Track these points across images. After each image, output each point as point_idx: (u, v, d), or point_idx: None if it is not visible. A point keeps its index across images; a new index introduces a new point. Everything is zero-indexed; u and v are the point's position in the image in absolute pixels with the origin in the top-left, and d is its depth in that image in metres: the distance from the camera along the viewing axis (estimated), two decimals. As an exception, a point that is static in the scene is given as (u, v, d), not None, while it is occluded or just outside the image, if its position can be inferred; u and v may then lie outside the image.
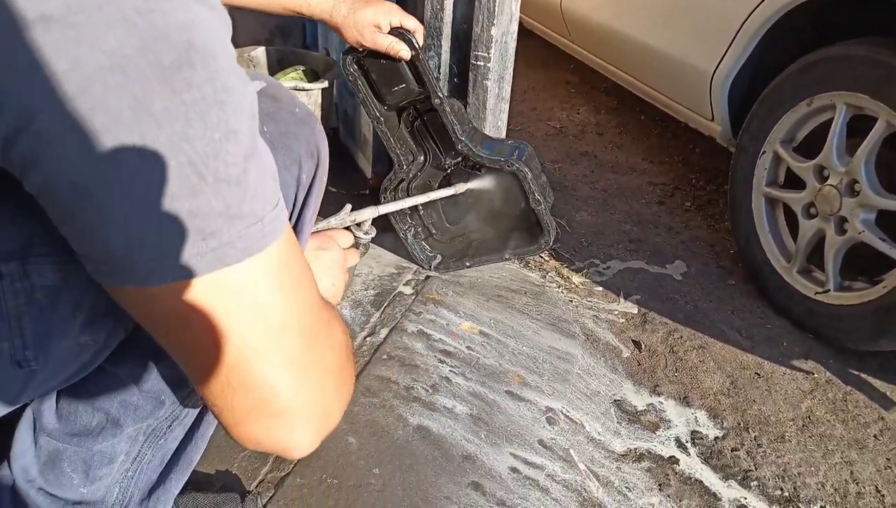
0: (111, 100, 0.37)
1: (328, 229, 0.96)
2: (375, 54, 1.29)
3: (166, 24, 0.38)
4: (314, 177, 0.68)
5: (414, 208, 1.50)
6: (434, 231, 1.55)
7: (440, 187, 1.47)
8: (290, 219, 0.68)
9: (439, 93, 1.32)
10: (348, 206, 1.03)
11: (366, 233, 1.04)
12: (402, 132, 1.42)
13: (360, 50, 1.29)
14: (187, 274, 0.43)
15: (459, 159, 1.42)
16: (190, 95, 0.39)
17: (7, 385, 0.51)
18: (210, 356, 0.46)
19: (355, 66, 1.34)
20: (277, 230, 0.47)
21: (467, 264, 1.53)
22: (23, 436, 0.68)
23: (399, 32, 1.25)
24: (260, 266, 0.45)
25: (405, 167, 1.44)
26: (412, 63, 1.29)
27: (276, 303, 0.47)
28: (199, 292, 0.44)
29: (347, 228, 1.01)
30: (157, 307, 0.45)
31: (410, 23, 1.25)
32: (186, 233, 0.41)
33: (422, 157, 1.44)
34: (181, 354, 0.48)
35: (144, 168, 0.39)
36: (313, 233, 0.90)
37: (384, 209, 1.16)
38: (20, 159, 0.39)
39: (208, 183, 0.41)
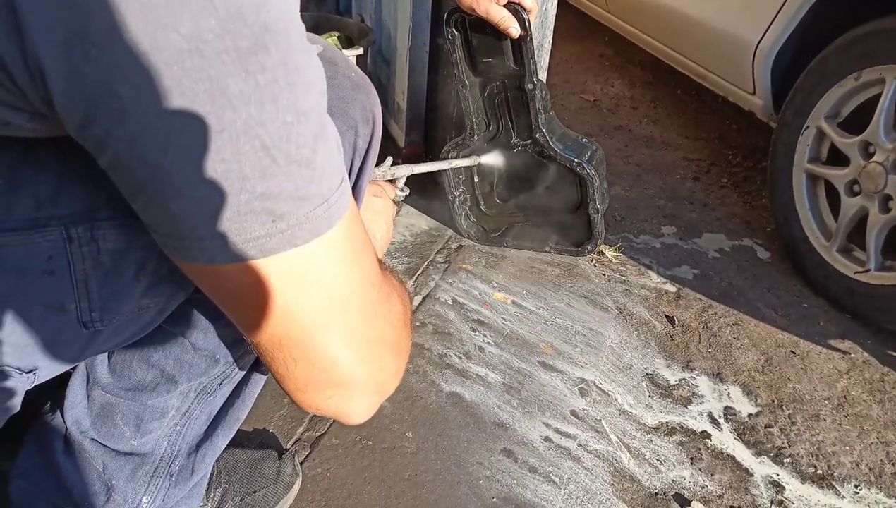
0: (188, 83, 0.37)
1: (373, 179, 0.97)
2: (482, 22, 1.24)
3: (242, 5, 0.38)
4: (370, 142, 0.68)
5: (469, 176, 1.50)
6: (482, 202, 1.54)
7: (500, 163, 1.46)
8: None
9: (534, 79, 1.29)
10: (390, 159, 1.04)
11: (401, 191, 1.05)
12: (482, 101, 1.40)
13: (468, 13, 1.25)
14: (256, 255, 0.43)
15: (529, 142, 1.40)
16: (264, 78, 0.39)
17: (72, 344, 0.53)
18: (274, 330, 0.47)
19: (457, 27, 1.30)
20: (342, 208, 0.47)
21: (506, 244, 1.53)
22: (75, 389, 0.70)
23: (514, 8, 1.19)
24: (325, 245, 0.46)
25: (475, 136, 1.43)
26: (518, 41, 1.25)
27: (340, 281, 0.48)
28: (267, 271, 0.44)
29: (388, 181, 1.04)
30: (225, 283, 0.46)
31: (529, 0, 1.20)
32: (257, 214, 0.42)
33: (494, 130, 1.42)
34: (245, 327, 0.49)
35: (218, 150, 0.40)
36: None
37: (418, 169, 1.17)
38: (96, 135, 0.40)
39: (280, 165, 0.41)
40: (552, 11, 1.43)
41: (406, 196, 1.08)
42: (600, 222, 1.39)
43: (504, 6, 1.19)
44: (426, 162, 1.30)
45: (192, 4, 0.36)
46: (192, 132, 0.39)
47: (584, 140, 1.45)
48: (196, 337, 0.65)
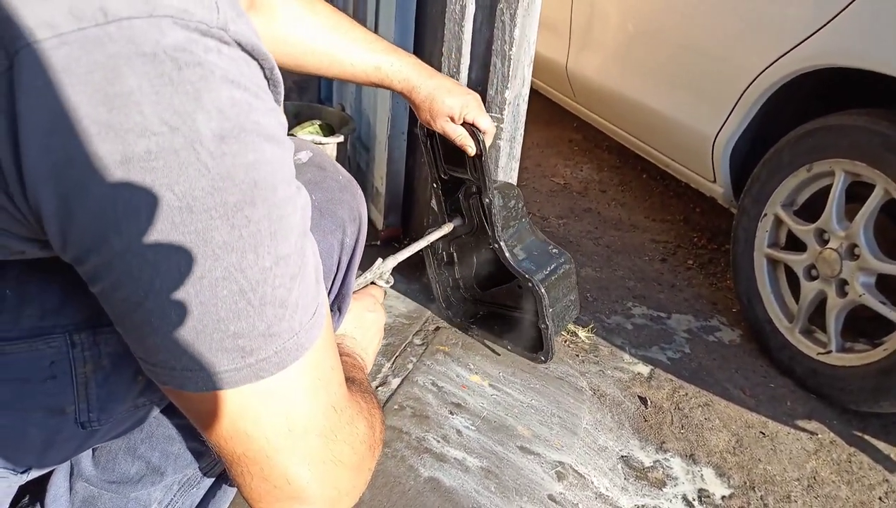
0: (176, 236, 0.41)
1: (366, 286, 0.99)
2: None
3: (234, 166, 0.41)
4: (357, 239, 0.72)
5: (451, 259, 1.53)
6: (462, 285, 1.58)
7: (479, 259, 1.50)
8: (335, 280, 0.73)
9: (489, 195, 1.33)
10: (380, 260, 1.06)
11: (387, 282, 1.08)
12: (456, 199, 1.45)
13: None
14: (223, 386, 0.46)
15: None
16: (248, 230, 0.42)
17: (69, 443, 0.54)
18: (233, 448, 0.49)
19: (426, 134, 1.37)
20: (312, 339, 0.49)
21: (472, 333, 1.56)
22: (58, 481, 0.70)
23: (471, 129, 1.23)
24: (291, 376, 0.48)
25: (450, 229, 1.46)
26: (474, 158, 1.30)
27: (301, 409, 0.49)
28: (231, 400, 0.47)
29: (372, 283, 1.06)
30: (191, 406, 0.48)
31: (483, 123, 1.23)
32: (227, 351, 0.44)
33: (469, 227, 1.46)
34: (207, 439, 0.51)
35: (197, 294, 0.42)
36: (355, 292, 0.93)
37: (402, 256, 1.21)
38: (86, 272, 0.43)
39: (254, 306, 0.44)
40: (523, 107, 1.52)
41: (391, 286, 1.11)
42: (551, 338, 1.39)
43: (462, 125, 1.23)
44: (405, 247, 1.33)
45: (188, 168, 0.40)
46: (174, 279, 0.41)
47: (554, 250, 1.47)
48: (183, 429, 0.66)
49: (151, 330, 0.44)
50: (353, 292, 0.93)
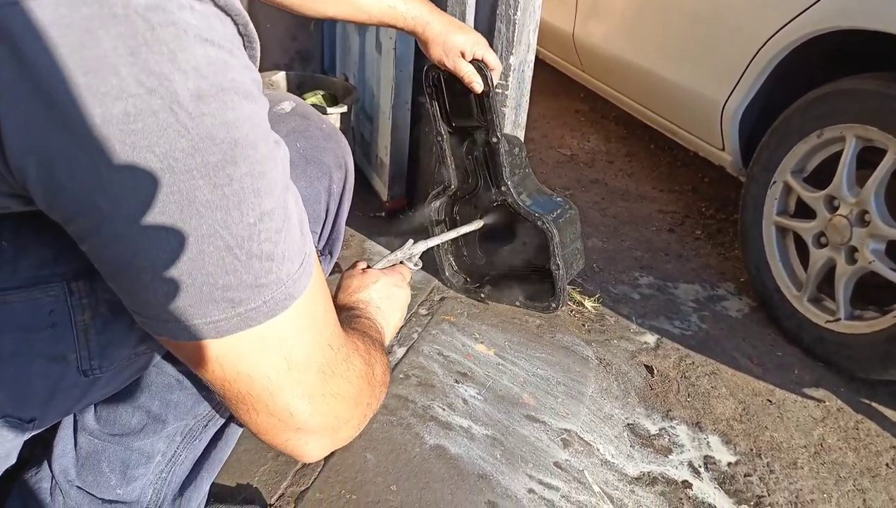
0: (161, 196, 0.41)
1: (394, 264, 1.02)
2: (452, 77, 1.31)
3: (214, 125, 0.41)
4: (343, 186, 0.73)
5: (454, 224, 1.54)
6: (465, 253, 1.58)
7: (482, 218, 1.49)
8: (324, 226, 0.74)
9: (498, 133, 1.34)
10: (411, 241, 1.09)
11: (415, 265, 1.09)
12: (461, 154, 1.45)
13: (441, 68, 1.31)
14: (215, 335, 0.47)
15: (501, 197, 1.44)
16: (231, 188, 0.43)
17: (71, 392, 0.55)
18: (236, 390, 0.51)
19: (433, 82, 1.38)
20: (301, 287, 0.50)
21: (482, 296, 1.56)
22: (65, 437, 0.71)
23: (479, 66, 1.26)
24: (282, 322, 0.50)
25: (454, 186, 1.48)
26: (482, 97, 1.31)
27: (297, 349, 0.52)
28: (226, 346, 0.48)
29: (401, 262, 1.08)
30: (187, 354, 0.49)
31: (491, 59, 1.26)
32: (217, 302, 0.46)
33: (473, 184, 1.47)
34: (209, 384, 0.52)
35: (185, 251, 0.43)
36: (386, 268, 0.97)
37: (432, 242, 1.21)
38: (76, 232, 0.44)
39: (241, 261, 0.45)
40: (529, 73, 1.50)
41: (419, 268, 1.13)
42: (562, 279, 1.41)
43: (470, 62, 1.26)
44: (435, 235, 1.33)
45: (168, 129, 0.40)
46: (161, 238, 0.42)
47: (558, 198, 1.49)
48: (182, 376, 0.67)
49: (142, 287, 0.45)
50: (383, 269, 0.96)
